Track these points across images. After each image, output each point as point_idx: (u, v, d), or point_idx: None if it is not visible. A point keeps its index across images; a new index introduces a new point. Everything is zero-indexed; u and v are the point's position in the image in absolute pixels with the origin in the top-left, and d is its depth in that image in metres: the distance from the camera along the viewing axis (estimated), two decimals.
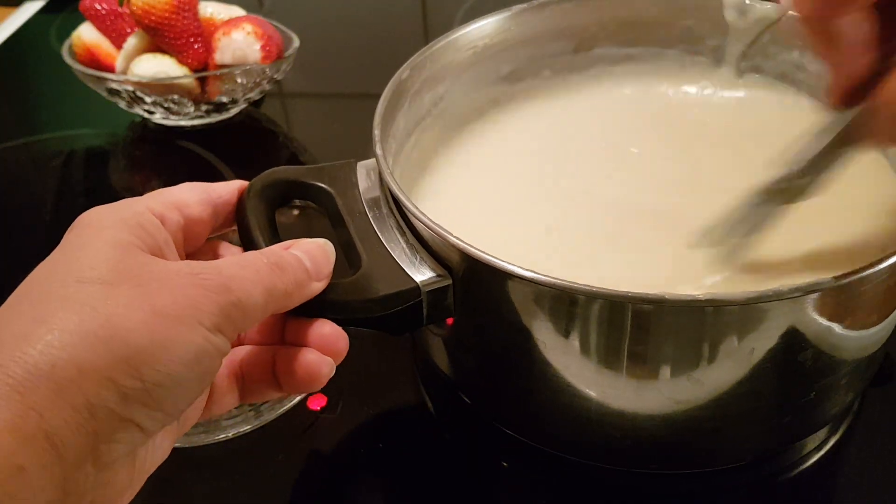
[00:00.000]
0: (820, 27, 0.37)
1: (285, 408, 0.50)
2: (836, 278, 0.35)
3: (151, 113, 0.78)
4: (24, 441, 0.26)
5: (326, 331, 0.36)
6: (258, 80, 0.76)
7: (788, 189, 0.41)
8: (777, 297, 0.35)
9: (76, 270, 0.30)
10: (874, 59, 0.36)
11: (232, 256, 0.34)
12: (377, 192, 0.43)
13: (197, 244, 0.38)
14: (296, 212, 0.65)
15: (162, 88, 0.75)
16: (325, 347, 0.36)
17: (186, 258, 0.37)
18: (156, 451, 0.32)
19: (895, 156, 0.50)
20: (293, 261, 0.35)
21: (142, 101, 0.76)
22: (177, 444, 0.47)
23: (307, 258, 0.35)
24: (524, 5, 0.57)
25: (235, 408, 0.48)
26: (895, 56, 0.35)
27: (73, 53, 0.78)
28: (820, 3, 0.35)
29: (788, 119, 0.56)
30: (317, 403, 0.51)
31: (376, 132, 0.45)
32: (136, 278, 0.30)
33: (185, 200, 0.37)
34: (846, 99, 0.38)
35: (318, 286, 0.36)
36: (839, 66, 0.37)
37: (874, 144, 0.38)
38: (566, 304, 0.37)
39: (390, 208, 0.42)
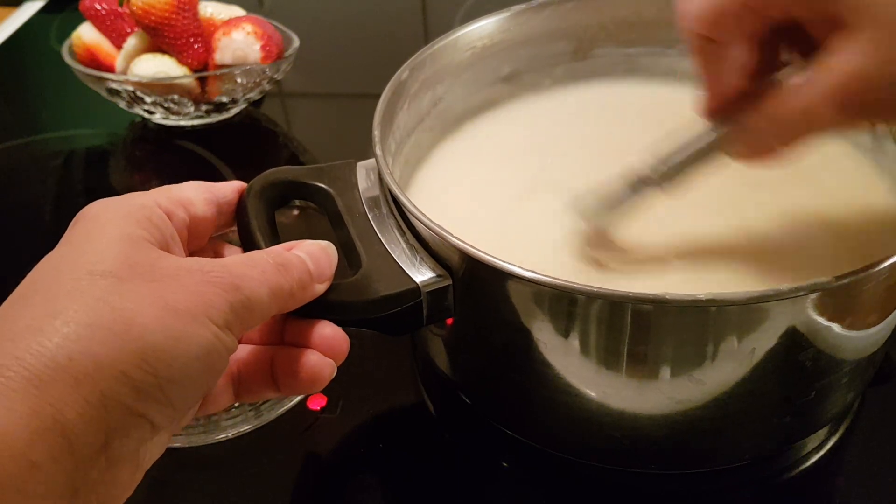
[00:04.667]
0: (705, 46, 0.37)
1: (285, 408, 0.50)
2: (837, 278, 0.35)
3: (151, 113, 0.78)
4: (40, 435, 0.26)
5: (328, 332, 0.36)
6: (258, 80, 0.76)
7: (654, 180, 0.42)
8: (778, 296, 0.35)
9: (87, 263, 0.30)
10: (747, 84, 0.38)
11: (238, 255, 0.34)
12: (377, 193, 0.43)
13: (200, 243, 0.38)
14: (295, 212, 0.65)
15: (162, 88, 0.75)
16: (326, 349, 0.36)
17: (189, 256, 0.37)
18: (154, 448, 0.32)
19: (890, 162, 0.50)
20: (297, 262, 0.35)
21: (142, 101, 0.76)
22: (177, 444, 0.47)
23: (310, 259, 0.35)
24: (524, 6, 0.56)
25: (235, 407, 0.48)
26: (768, 82, 0.37)
27: (73, 53, 0.78)
28: (709, 25, 0.36)
29: None
30: (317, 403, 0.51)
31: (376, 133, 0.45)
32: (148, 273, 0.30)
33: (190, 198, 0.37)
34: (713, 114, 0.40)
35: (320, 288, 0.36)
36: (714, 85, 0.39)
37: (732, 156, 0.39)
38: (566, 304, 0.37)
39: (390, 209, 0.42)
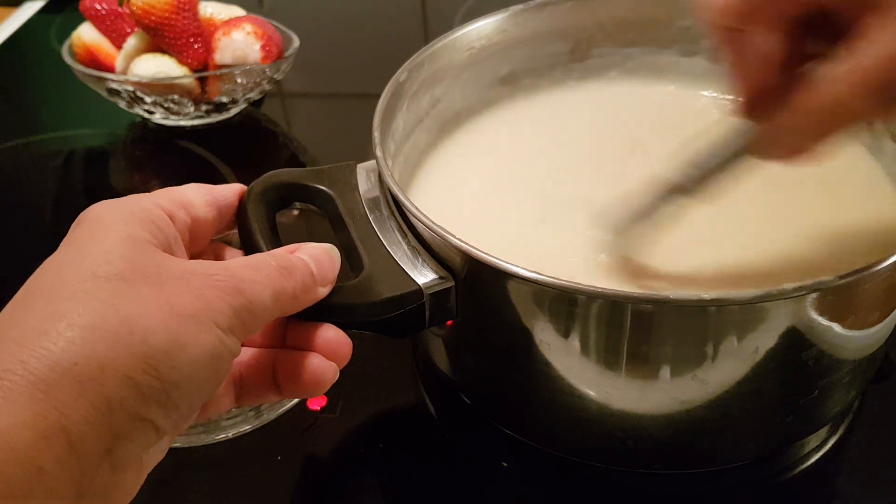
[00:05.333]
0: (732, 37, 0.36)
1: (285, 408, 0.50)
2: (840, 277, 0.35)
3: (151, 113, 0.78)
4: (45, 440, 0.26)
5: (331, 335, 0.36)
6: (258, 80, 0.76)
7: (688, 187, 0.41)
8: (782, 295, 0.35)
9: (91, 265, 0.30)
10: (778, 76, 0.36)
11: (241, 258, 0.34)
12: (377, 194, 0.43)
13: (201, 245, 0.38)
14: (296, 212, 0.65)
15: (162, 88, 0.75)
16: (329, 352, 0.36)
17: (190, 259, 0.37)
18: (156, 452, 0.32)
19: (889, 161, 0.50)
20: (300, 265, 0.34)
21: (142, 101, 0.76)
22: (177, 444, 0.48)
23: (313, 262, 0.35)
24: (522, 6, 0.56)
25: (235, 408, 0.48)
26: (797, 76, 0.34)
27: (73, 53, 0.78)
28: (736, 14, 0.35)
29: None
30: (317, 403, 0.51)
31: (376, 134, 0.45)
32: (153, 276, 0.30)
33: (191, 200, 0.37)
34: (748, 110, 0.37)
35: (323, 291, 0.36)
36: (744, 77, 0.37)
37: (765, 157, 0.37)
38: (567, 304, 0.38)
39: (391, 210, 0.42)
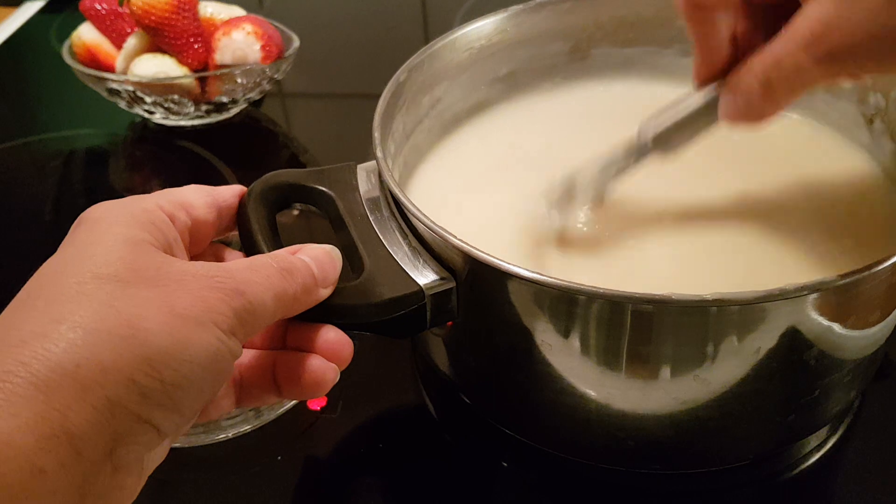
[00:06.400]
0: (696, 13, 0.39)
1: (285, 408, 0.50)
2: (841, 277, 0.35)
3: (151, 113, 0.78)
4: (47, 442, 0.26)
5: (332, 337, 0.36)
6: (258, 80, 0.76)
7: (650, 145, 0.44)
8: (782, 296, 0.35)
9: (91, 267, 0.30)
10: (734, 51, 0.40)
11: (242, 259, 0.34)
12: (377, 195, 0.43)
13: (201, 247, 0.38)
14: (296, 212, 0.65)
15: (162, 88, 0.75)
16: (330, 354, 0.36)
17: (191, 260, 0.37)
18: (157, 454, 0.32)
19: (888, 161, 0.50)
20: (301, 266, 0.34)
21: (142, 101, 0.76)
22: (177, 444, 0.47)
23: (314, 264, 0.35)
24: (521, 6, 0.56)
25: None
26: (750, 51, 0.38)
27: (73, 53, 0.78)
28: None
29: (783, 119, 0.56)
30: (317, 403, 0.51)
31: (376, 135, 0.45)
32: (154, 278, 0.30)
33: (191, 202, 0.37)
34: (703, 80, 0.41)
35: (324, 293, 0.36)
36: (706, 50, 0.40)
37: (724, 119, 0.40)
38: (568, 304, 0.37)
39: (391, 211, 0.42)
